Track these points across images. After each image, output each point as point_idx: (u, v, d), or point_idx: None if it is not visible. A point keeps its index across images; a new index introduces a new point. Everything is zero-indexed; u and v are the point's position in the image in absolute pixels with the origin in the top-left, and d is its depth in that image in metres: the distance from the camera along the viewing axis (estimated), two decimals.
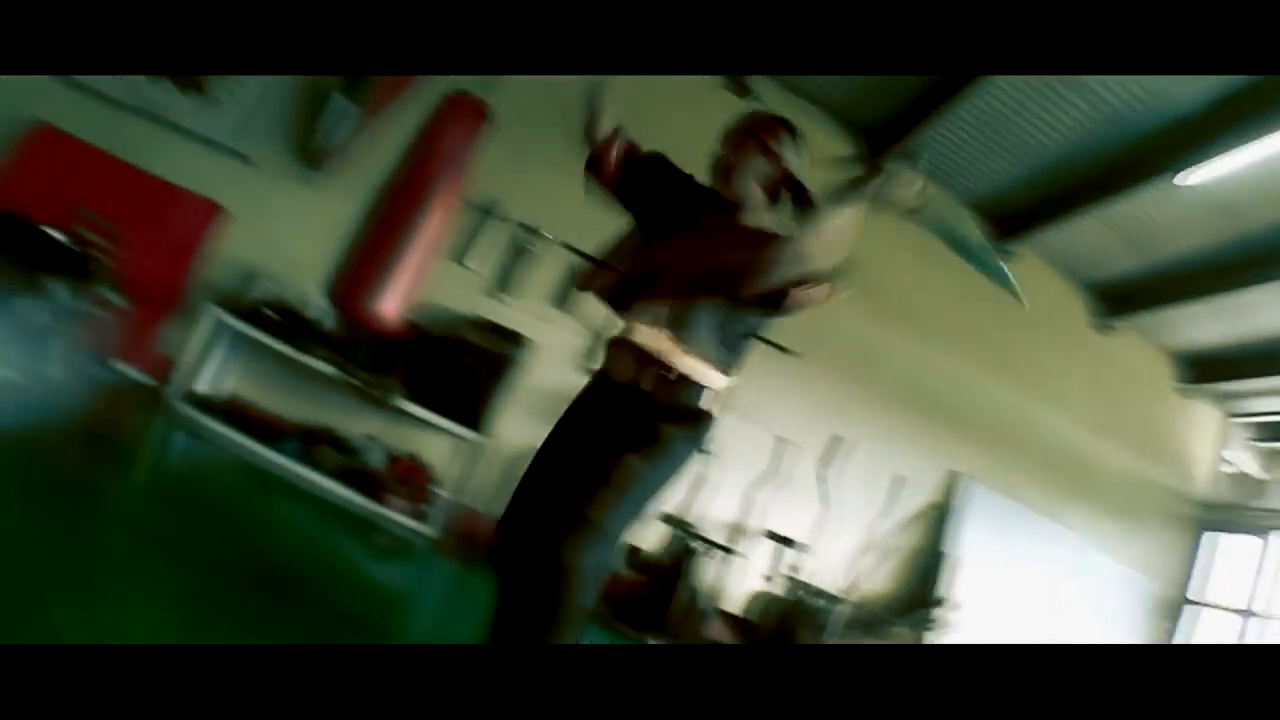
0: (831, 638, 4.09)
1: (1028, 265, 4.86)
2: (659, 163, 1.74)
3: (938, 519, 4.74)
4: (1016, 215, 4.78)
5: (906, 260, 4.45)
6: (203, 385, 3.91)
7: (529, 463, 1.56)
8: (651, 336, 1.51)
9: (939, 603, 4.55)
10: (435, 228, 3.34)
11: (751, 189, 1.66)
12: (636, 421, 1.48)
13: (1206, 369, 5.39)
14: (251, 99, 4.12)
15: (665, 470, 1.50)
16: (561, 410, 1.59)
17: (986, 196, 4.71)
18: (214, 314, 3.75)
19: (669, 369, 1.50)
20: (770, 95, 4.29)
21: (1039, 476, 5.03)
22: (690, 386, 1.51)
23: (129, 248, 3.91)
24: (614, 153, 1.68)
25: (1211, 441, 5.61)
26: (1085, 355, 5.21)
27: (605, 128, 1.66)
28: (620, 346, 1.56)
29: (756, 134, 1.66)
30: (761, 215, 1.67)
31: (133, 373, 3.96)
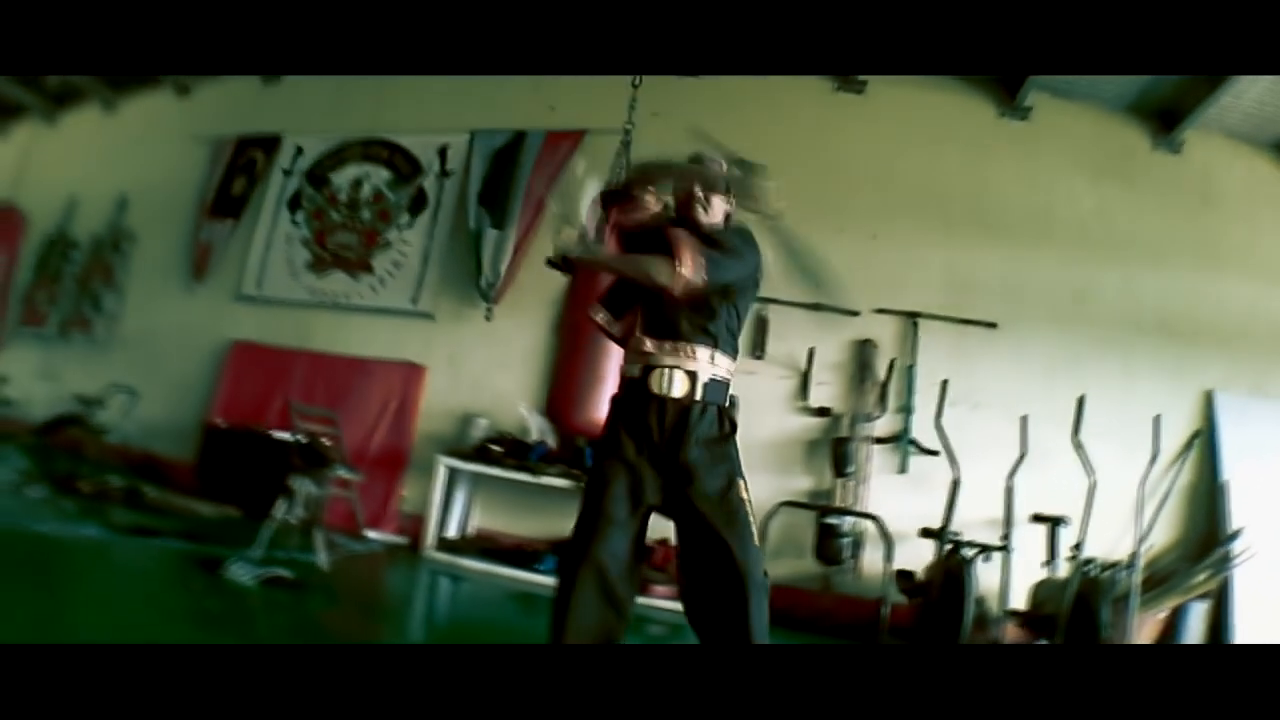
0: (1130, 607, 3.79)
1: (1202, 147, 4.46)
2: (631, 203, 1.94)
3: (1205, 447, 4.32)
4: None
5: (1080, 186, 4.16)
6: (451, 530, 4.16)
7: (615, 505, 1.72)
8: (678, 352, 1.73)
9: (1234, 536, 4.11)
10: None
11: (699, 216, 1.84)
12: (704, 444, 1.71)
13: None
14: (414, 262, 4.45)
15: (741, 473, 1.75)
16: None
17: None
18: (444, 463, 4.01)
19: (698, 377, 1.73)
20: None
21: None
22: (718, 386, 1.76)
23: (350, 427, 4.27)
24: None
25: None
26: None
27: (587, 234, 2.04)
28: (654, 366, 1.73)
29: (694, 186, 1.85)
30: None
31: (386, 537, 4.26)
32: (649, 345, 1.73)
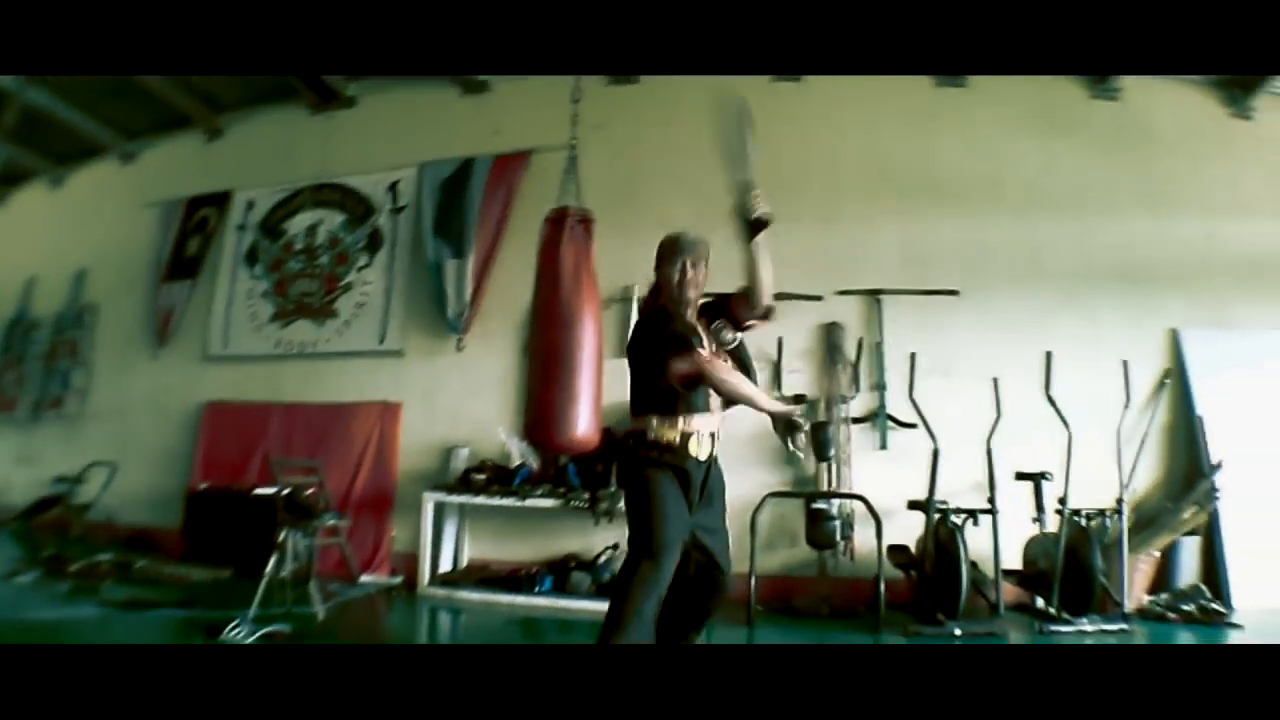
0: (1122, 552, 3.84)
1: (1139, 91, 4.53)
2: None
3: (1177, 384, 4.38)
4: None
5: (1024, 145, 4.20)
6: (445, 564, 4.15)
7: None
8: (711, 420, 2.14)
9: (1215, 469, 4.18)
10: (593, 339, 3.45)
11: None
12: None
13: None
14: (377, 301, 4.45)
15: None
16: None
17: None
18: (431, 498, 4.00)
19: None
20: None
21: (1254, 294, 4.56)
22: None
23: (332, 473, 4.25)
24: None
25: None
26: (1237, 149, 4.74)
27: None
28: (697, 434, 2.11)
29: (700, 252, 2.20)
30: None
31: (381, 579, 4.24)
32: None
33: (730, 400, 2.12)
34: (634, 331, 2.29)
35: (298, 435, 4.53)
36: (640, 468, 2.08)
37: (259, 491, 4.34)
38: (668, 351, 2.06)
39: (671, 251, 2.18)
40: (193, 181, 5.46)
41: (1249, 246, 4.60)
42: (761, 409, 2.09)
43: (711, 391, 2.09)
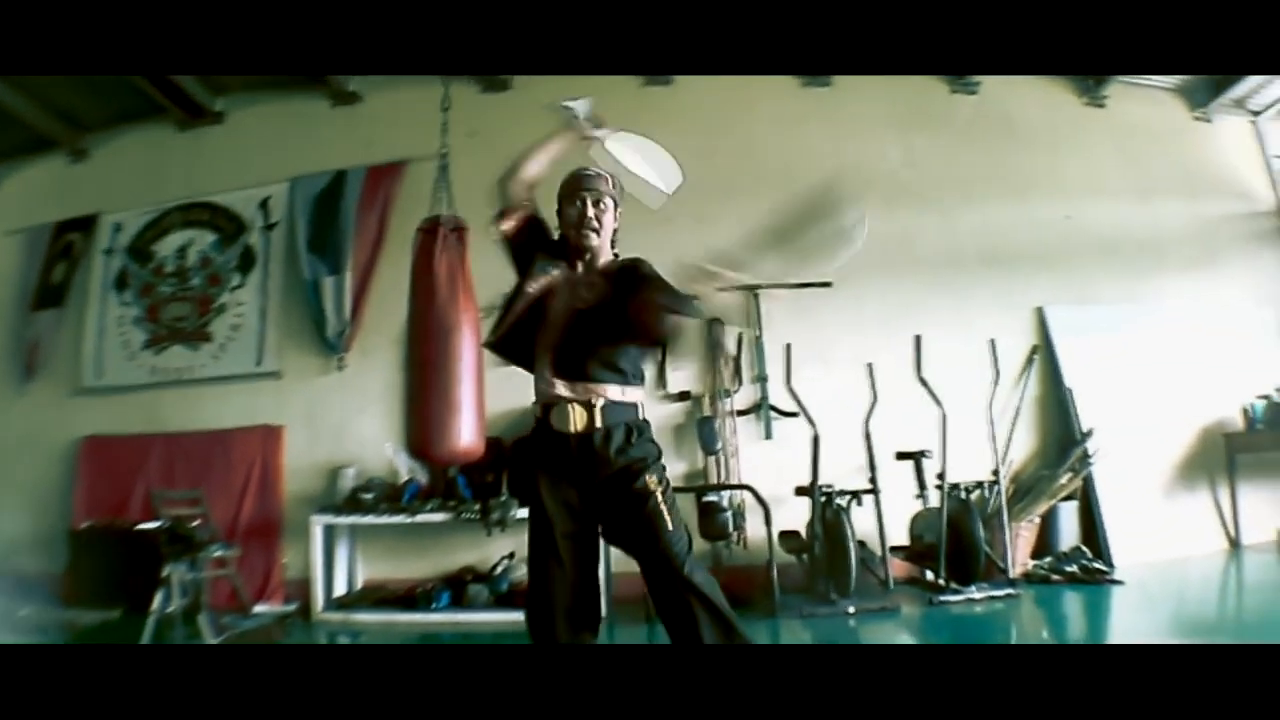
0: (1000, 518, 4.03)
1: (998, 85, 4.78)
2: (541, 223, 1.89)
3: (1045, 359, 4.63)
4: None
5: (888, 140, 4.36)
6: (340, 588, 4.04)
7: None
8: (575, 387, 1.71)
9: (1087, 436, 4.43)
10: (472, 348, 3.42)
11: (603, 239, 1.84)
12: (618, 468, 1.68)
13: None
14: (252, 321, 4.30)
15: (667, 481, 1.75)
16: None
17: None
18: (319, 521, 3.89)
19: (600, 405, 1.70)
20: None
21: (1112, 270, 4.87)
22: (625, 408, 1.73)
23: (217, 502, 4.10)
24: (519, 215, 1.84)
25: (1255, 148, 5.38)
26: (1091, 136, 5.05)
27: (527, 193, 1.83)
28: (560, 402, 1.71)
29: (603, 190, 1.82)
30: (604, 260, 1.84)
31: (275, 608, 4.11)
32: None
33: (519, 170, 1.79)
34: None
35: (179, 465, 4.34)
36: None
37: (141, 527, 4.17)
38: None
39: (570, 189, 1.82)
40: (57, 206, 5.16)
41: (1106, 225, 4.91)
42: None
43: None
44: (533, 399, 1.76)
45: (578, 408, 1.68)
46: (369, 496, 3.89)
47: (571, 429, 1.67)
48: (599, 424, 1.69)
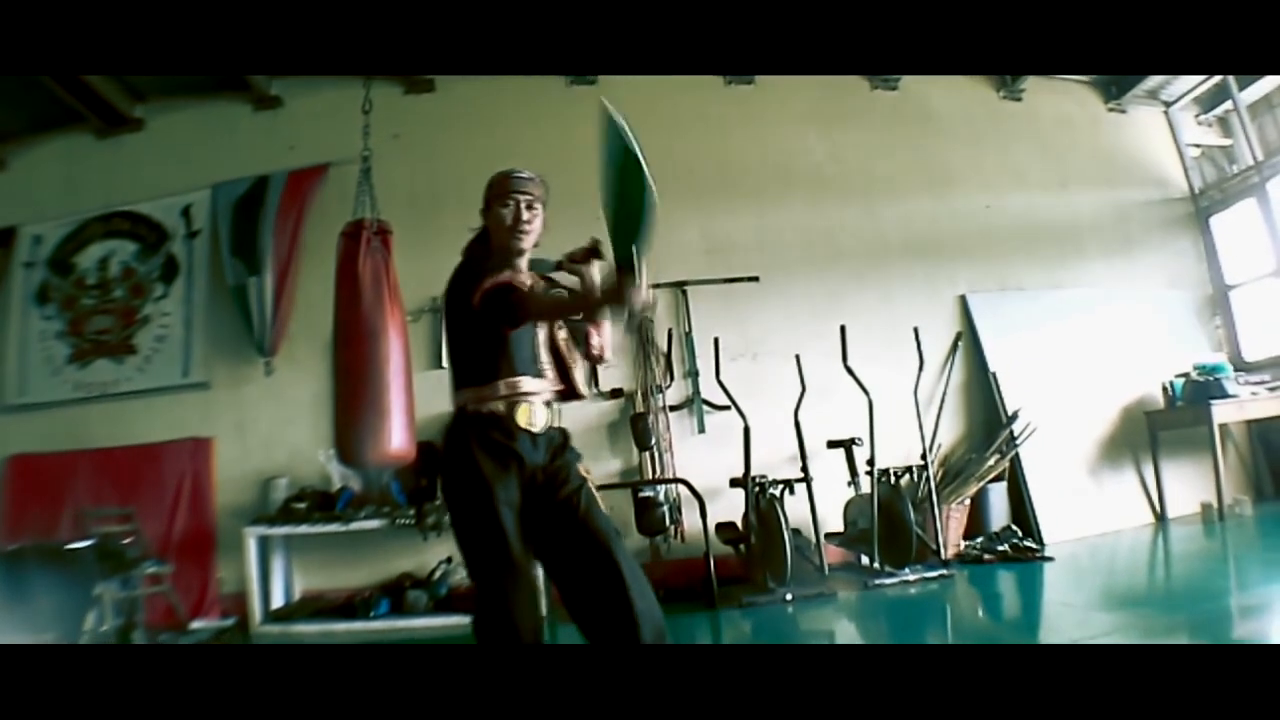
0: (930, 502, 4.15)
1: (917, 81, 4.90)
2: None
3: (969, 345, 4.79)
4: None
5: (811, 136, 4.45)
6: (277, 600, 4.01)
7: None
8: (539, 383, 1.70)
9: (1013, 419, 4.59)
10: (399, 352, 3.40)
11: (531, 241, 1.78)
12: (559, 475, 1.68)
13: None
14: (178, 332, 4.23)
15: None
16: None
17: None
18: (252, 533, 3.85)
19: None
20: None
21: (1033, 257, 5.05)
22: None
23: (148, 518, 4.03)
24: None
25: (1168, 138, 5.62)
26: (1009, 128, 5.22)
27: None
28: (524, 398, 1.68)
29: (535, 193, 1.76)
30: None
31: (212, 623, 4.05)
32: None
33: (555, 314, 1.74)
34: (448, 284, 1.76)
35: (108, 482, 4.24)
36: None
37: (69, 546, 4.07)
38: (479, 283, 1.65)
39: (501, 190, 1.74)
40: None
41: (1025, 215, 5.09)
42: (598, 303, 1.63)
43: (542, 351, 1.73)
44: (472, 399, 1.66)
45: (539, 404, 1.69)
46: (302, 506, 3.86)
47: (540, 426, 1.67)
48: (558, 421, 1.73)
